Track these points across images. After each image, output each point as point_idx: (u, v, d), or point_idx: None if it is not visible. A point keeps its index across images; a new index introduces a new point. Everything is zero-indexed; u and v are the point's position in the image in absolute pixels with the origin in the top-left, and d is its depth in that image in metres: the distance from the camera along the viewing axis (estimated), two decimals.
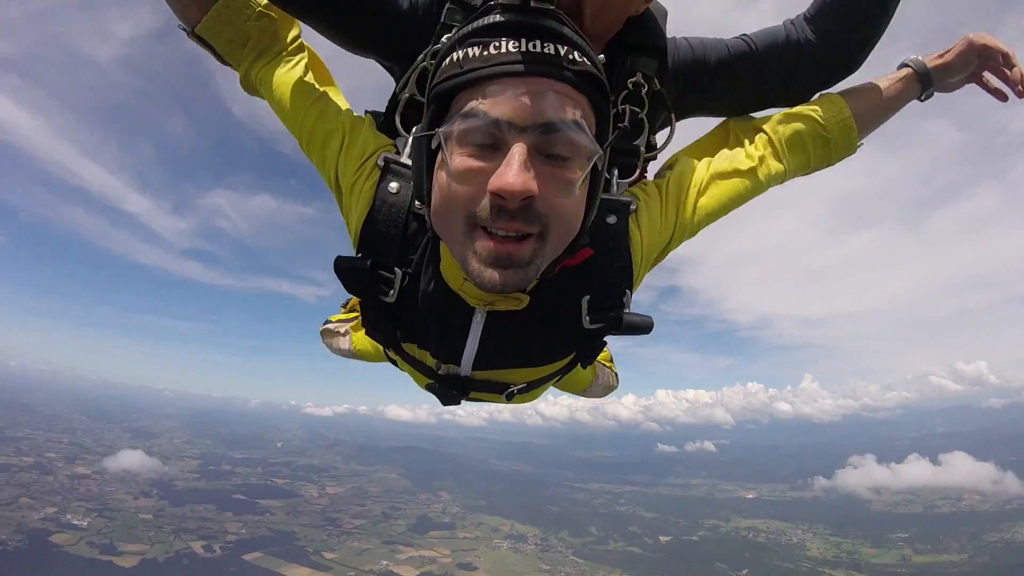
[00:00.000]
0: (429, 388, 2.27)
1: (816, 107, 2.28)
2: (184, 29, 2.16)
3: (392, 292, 1.86)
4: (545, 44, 1.40)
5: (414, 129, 1.79)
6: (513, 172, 1.30)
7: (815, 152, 2.27)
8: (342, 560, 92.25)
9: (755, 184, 2.19)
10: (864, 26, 2.32)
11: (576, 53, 1.43)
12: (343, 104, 2.14)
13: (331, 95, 2.14)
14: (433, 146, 1.51)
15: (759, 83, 2.38)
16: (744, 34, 2.41)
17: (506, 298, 1.77)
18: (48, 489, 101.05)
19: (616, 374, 4.09)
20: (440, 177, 1.48)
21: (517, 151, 1.32)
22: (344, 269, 1.83)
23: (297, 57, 2.18)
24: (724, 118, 2.49)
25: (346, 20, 2.13)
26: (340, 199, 2.03)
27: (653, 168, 2.42)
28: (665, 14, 2.35)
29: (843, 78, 2.41)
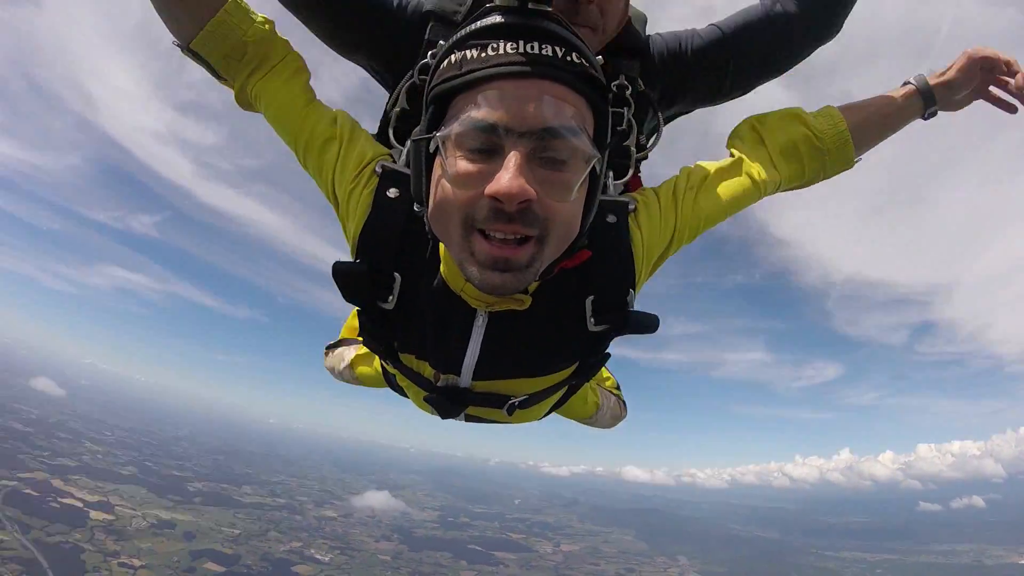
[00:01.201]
0: (427, 401, 2.19)
1: (812, 117, 2.24)
2: (179, 45, 2.11)
3: (391, 298, 1.83)
4: (543, 45, 1.40)
5: (414, 131, 1.72)
6: (511, 176, 1.31)
7: (809, 163, 2.23)
8: None
9: (752, 189, 2.15)
10: None
11: (574, 54, 1.44)
12: (339, 112, 2.13)
13: (325, 105, 2.15)
14: (431, 149, 1.50)
15: (739, 64, 2.40)
16: (715, 22, 2.45)
17: (508, 299, 1.77)
18: (296, 527, 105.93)
19: (624, 403, 3.89)
20: (438, 180, 1.49)
21: (515, 156, 1.33)
22: (341, 273, 1.79)
23: (292, 68, 2.16)
24: (713, 105, 2.57)
25: (340, 14, 2.24)
26: (337, 208, 2.00)
27: (645, 169, 2.49)
28: (645, 20, 2.45)
29: (822, 43, 2.45)
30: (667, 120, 2.41)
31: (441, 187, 1.46)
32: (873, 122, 2.29)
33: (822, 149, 2.20)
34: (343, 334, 3.74)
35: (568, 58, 1.42)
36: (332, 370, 3.72)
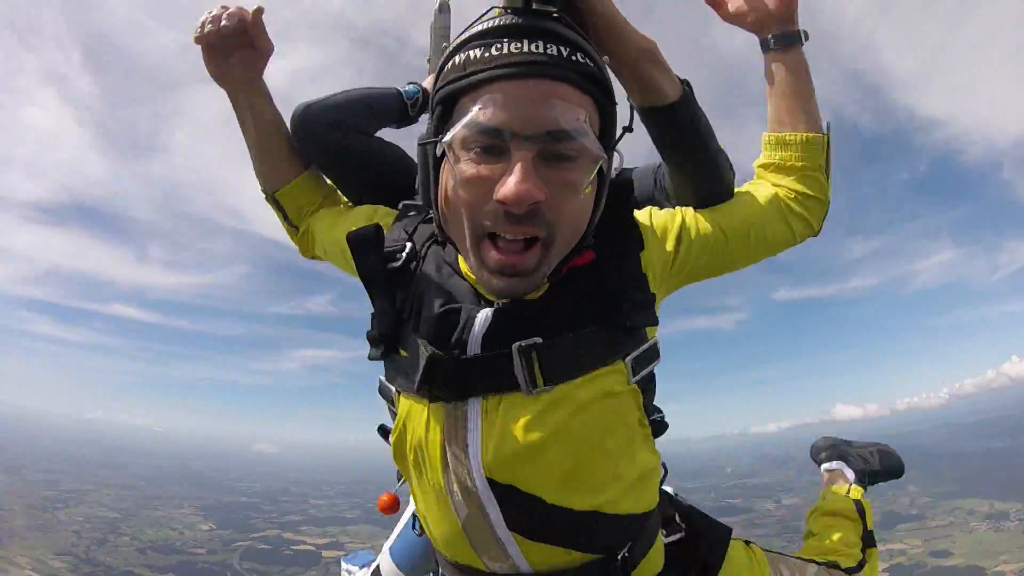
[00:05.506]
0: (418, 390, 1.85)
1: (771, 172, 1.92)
2: (264, 192, 2.15)
3: (400, 256, 1.72)
4: (548, 45, 1.35)
5: (420, 134, 1.66)
6: (518, 180, 1.27)
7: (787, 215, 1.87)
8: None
9: (785, 237, 1.90)
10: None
11: (579, 54, 1.38)
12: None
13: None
14: (438, 153, 1.45)
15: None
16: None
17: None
18: None
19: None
20: (446, 183, 1.45)
21: (522, 159, 1.28)
22: (356, 237, 1.71)
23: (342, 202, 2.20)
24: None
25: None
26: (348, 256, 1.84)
27: None
28: None
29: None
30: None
31: (449, 190, 1.44)
32: (782, 105, 1.87)
33: (796, 168, 1.86)
34: None
35: (573, 58, 1.36)
36: None
